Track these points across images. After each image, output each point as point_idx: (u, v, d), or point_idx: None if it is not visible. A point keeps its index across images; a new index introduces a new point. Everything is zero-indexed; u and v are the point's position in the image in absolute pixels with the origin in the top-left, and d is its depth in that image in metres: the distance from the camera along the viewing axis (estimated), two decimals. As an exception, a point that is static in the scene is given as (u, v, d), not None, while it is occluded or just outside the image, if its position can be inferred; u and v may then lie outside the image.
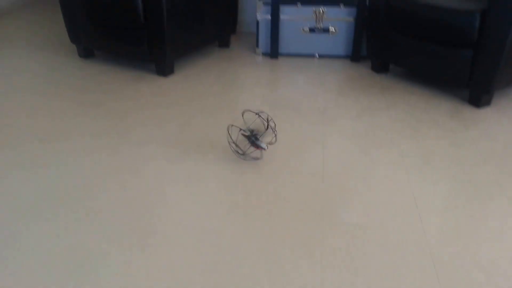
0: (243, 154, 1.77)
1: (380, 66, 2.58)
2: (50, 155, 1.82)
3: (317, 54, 2.81)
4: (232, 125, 1.97)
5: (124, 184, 1.63)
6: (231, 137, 1.85)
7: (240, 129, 1.78)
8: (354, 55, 2.74)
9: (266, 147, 1.72)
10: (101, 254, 1.29)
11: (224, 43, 3.00)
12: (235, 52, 2.95)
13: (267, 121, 1.81)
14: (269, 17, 2.73)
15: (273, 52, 2.79)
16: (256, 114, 1.98)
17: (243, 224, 1.42)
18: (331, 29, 2.71)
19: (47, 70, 2.64)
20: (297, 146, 1.88)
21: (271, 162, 1.76)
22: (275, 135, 1.92)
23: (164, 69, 2.51)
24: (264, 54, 2.86)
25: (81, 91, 2.36)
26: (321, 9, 2.66)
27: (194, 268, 1.24)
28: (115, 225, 1.41)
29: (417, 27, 2.23)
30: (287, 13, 2.70)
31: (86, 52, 2.77)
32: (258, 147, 1.72)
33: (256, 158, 1.76)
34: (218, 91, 2.37)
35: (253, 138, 1.72)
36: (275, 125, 2.01)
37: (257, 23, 2.77)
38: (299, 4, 2.67)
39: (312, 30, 2.72)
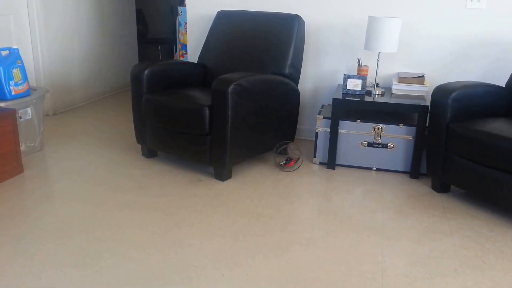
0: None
1: (441, 186, 2.51)
2: (98, 253, 1.84)
3: (374, 167, 2.80)
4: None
5: (176, 296, 1.60)
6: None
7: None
8: (413, 172, 2.70)
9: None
10: None
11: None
12: (292, 159, 3.00)
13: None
14: (327, 130, 2.80)
15: (330, 163, 2.81)
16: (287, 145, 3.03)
17: None
18: (390, 145, 2.72)
19: (112, 165, 2.78)
20: (355, 267, 1.81)
21: (330, 285, 1.69)
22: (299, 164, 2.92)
23: (222, 174, 2.58)
24: (321, 164, 2.89)
25: (141, 191, 2.44)
26: (380, 126, 2.70)
27: None
28: None
29: (481, 154, 2.19)
30: (345, 128, 2.75)
31: (150, 152, 2.91)
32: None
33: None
34: (273, 201, 2.37)
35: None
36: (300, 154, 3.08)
37: (316, 134, 2.83)
38: (358, 121, 2.73)
39: (370, 144, 2.75)
